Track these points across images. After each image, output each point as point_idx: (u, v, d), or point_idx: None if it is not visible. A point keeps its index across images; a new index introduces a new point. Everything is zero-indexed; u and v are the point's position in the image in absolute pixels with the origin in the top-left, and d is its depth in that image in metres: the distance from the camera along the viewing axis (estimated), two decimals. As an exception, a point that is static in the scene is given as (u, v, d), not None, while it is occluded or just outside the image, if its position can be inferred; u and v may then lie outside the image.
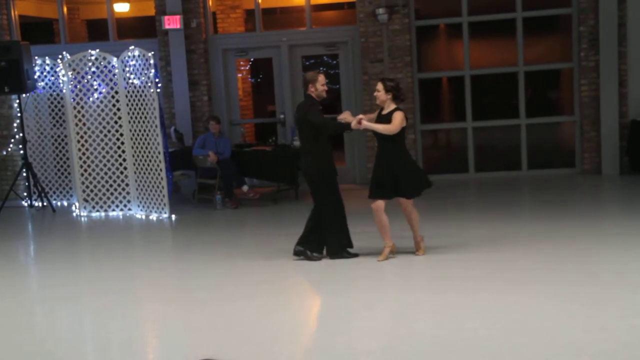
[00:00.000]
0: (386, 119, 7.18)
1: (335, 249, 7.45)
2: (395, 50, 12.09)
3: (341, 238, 7.47)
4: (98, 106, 10.76)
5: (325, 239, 7.46)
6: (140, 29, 14.52)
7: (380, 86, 7.23)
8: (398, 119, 7.09)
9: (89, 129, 10.84)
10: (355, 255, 7.47)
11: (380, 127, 7.14)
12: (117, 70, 10.58)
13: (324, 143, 7.36)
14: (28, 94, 11.60)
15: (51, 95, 12.01)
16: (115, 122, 10.68)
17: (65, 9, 13.16)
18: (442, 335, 5.13)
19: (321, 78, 7.37)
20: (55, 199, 12.02)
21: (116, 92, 10.65)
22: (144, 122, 10.31)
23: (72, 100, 10.77)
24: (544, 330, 5.09)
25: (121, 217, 10.70)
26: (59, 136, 12.10)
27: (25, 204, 11.75)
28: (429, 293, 6.17)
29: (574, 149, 12.27)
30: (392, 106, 7.22)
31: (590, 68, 11.82)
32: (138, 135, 10.43)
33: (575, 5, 11.89)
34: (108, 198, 10.86)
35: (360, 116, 7.26)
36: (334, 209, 7.39)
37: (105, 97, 10.74)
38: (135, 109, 10.41)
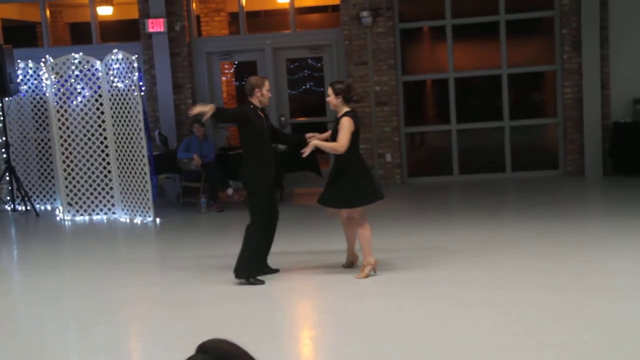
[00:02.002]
0: (338, 123, 6.69)
1: (246, 272, 6.83)
2: (380, 53, 12.13)
3: (256, 262, 6.91)
4: (82, 110, 10.72)
5: (242, 256, 6.85)
6: (123, 32, 14.48)
7: (329, 90, 6.76)
8: (344, 128, 6.59)
9: (72, 132, 10.79)
10: (262, 282, 6.84)
11: (328, 146, 6.73)
12: (100, 74, 10.54)
13: (267, 150, 6.91)
14: (11, 98, 11.53)
15: (34, 98, 11.95)
16: (99, 126, 10.64)
17: (48, 12, 13.10)
18: (428, 337, 5.15)
19: (267, 83, 6.88)
20: (38, 203, 11.94)
21: (100, 96, 10.60)
22: (127, 125, 10.27)
23: (55, 103, 10.72)
24: (529, 331, 5.12)
25: (105, 221, 10.66)
26: (42, 140, 12.03)
27: (9, 208, 11.67)
28: (413, 296, 6.18)
29: (557, 151, 12.34)
30: (344, 109, 6.72)
31: (573, 70, 11.90)
32: (122, 138, 10.40)
33: (558, 8, 11.97)
34: (92, 202, 10.81)
35: (314, 138, 6.80)
36: (263, 229, 6.85)
37: (88, 101, 10.70)
38: (119, 112, 10.38)
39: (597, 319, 5.31)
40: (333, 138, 6.78)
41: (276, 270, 7.13)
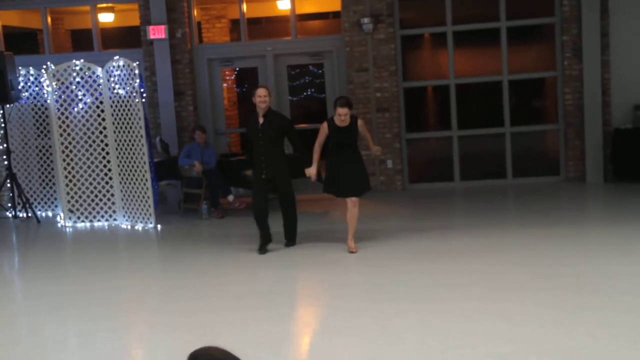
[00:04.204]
0: (352, 130, 7.98)
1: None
2: (381, 60, 12.14)
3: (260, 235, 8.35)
4: (83, 116, 10.73)
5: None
6: (125, 39, 14.49)
7: (346, 108, 7.85)
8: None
9: (73, 139, 10.80)
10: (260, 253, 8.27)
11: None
12: (101, 81, 10.56)
13: (255, 147, 8.27)
14: (12, 105, 11.54)
15: (35, 105, 11.96)
16: (100, 132, 10.65)
17: (49, 19, 13.12)
18: (428, 343, 5.14)
19: (258, 91, 8.07)
20: (40, 210, 11.95)
21: (101, 102, 10.62)
22: (129, 132, 10.28)
23: (56, 110, 10.73)
24: (529, 337, 5.11)
25: (106, 227, 10.65)
26: (43, 146, 12.04)
27: (10, 215, 11.67)
28: (415, 301, 6.18)
29: (558, 157, 12.34)
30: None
31: (574, 77, 11.91)
32: (123, 145, 10.41)
33: (558, 14, 11.98)
34: (93, 208, 10.81)
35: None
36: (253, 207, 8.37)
37: (90, 108, 10.71)
38: (120, 119, 10.39)
39: (598, 325, 5.30)
40: (354, 137, 8.07)
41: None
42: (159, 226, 10.22)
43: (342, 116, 7.84)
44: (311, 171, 8.17)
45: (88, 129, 10.71)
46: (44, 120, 11.92)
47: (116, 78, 10.38)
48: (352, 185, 8.03)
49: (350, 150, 8.01)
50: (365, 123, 11.75)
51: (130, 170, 10.38)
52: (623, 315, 5.50)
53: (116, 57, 10.43)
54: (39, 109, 11.95)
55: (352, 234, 8.07)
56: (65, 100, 10.76)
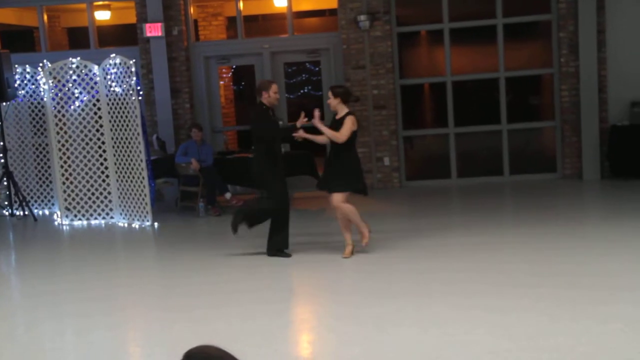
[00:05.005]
0: (339, 123, 7.53)
1: (276, 247, 7.89)
2: (377, 57, 12.14)
3: (284, 237, 7.89)
4: (79, 114, 10.71)
5: (271, 235, 7.89)
6: (121, 36, 14.49)
7: (329, 93, 7.68)
8: (348, 124, 7.45)
9: (70, 137, 10.78)
10: (289, 255, 7.83)
11: (330, 133, 7.52)
12: (98, 78, 10.54)
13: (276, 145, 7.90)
14: (8, 103, 11.52)
15: (32, 103, 11.93)
16: (97, 130, 10.63)
17: (45, 17, 13.10)
18: (426, 340, 5.14)
19: (274, 87, 7.80)
20: (36, 208, 11.93)
21: (97, 100, 10.60)
22: (125, 130, 10.27)
23: (53, 108, 10.71)
24: (526, 334, 5.12)
25: (103, 225, 10.64)
26: (40, 144, 12.02)
27: (7, 213, 11.65)
28: (412, 298, 6.18)
29: (555, 154, 12.35)
30: (345, 110, 7.57)
31: (570, 74, 11.91)
32: (120, 143, 10.39)
33: (555, 11, 11.99)
34: (90, 206, 10.80)
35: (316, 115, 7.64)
36: (281, 205, 7.82)
37: (86, 105, 10.69)
38: (117, 116, 10.37)
39: (595, 321, 5.30)
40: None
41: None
42: (155, 224, 10.21)
43: (328, 100, 7.78)
44: (300, 132, 7.75)
45: (85, 126, 10.69)
46: (40, 118, 11.89)
47: (113, 76, 10.36)
48: (331, 179, 7.63)
49: (339, 146, 7.56)
50: (363, 120, 11.77)
51: (127, 168, 10.37)
52: (621, 312, 5.50)
53: (113, 55, 10.41)
54: (36, 107, 11.92)
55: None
56: (61, 98, 10.73)
